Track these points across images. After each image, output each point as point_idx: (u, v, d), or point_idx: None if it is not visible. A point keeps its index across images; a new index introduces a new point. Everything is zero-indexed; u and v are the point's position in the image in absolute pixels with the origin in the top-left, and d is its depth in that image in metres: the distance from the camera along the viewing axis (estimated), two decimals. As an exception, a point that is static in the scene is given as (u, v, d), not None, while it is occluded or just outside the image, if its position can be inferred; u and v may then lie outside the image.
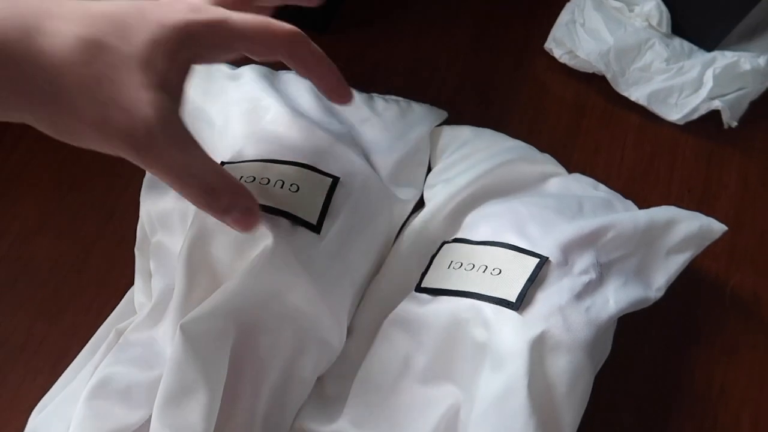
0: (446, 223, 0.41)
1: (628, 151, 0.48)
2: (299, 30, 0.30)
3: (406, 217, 0.42)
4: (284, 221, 0.34)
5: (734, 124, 0.49)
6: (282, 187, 0.34)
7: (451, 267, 0.37)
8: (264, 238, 0.32)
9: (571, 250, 0.36)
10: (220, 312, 0.32)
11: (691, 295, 0.44)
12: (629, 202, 0.43)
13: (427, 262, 0.38)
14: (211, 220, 0.34)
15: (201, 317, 0.32)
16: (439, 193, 0.41)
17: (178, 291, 0.34)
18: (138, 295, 0.39)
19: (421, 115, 0.45)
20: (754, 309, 0.45)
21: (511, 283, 0.34)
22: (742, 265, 0.46)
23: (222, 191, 0.29)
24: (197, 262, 0.34)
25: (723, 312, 0.45)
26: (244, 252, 0.33)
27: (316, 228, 0.34)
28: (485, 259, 0.36)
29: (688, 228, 0.39)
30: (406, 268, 0.39)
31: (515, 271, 0.35)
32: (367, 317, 0.38)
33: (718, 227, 0.40)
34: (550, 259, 0.35)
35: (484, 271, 0.35)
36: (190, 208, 0.36)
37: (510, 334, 0.32)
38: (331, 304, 0.35)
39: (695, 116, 0.49)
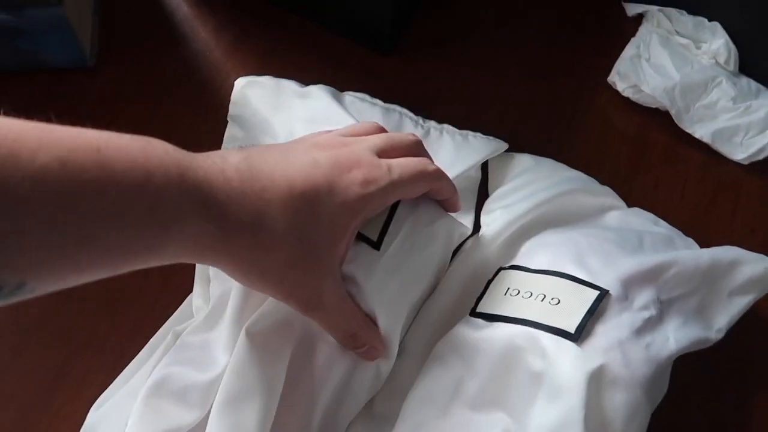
0: (503, 249, 0.41)
1: (690, 189, 0.48)
2: (438, 167, 0.36)
3: (462, 240, 0.42)
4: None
5: (801, 166, 0.48)
6: None
7: (508, 293, 0.37)
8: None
9: (631, 284, 0.36)
10: (282, 317, 0.33)
11: (748, 335, 0.43)
12: (690, 240, 0.43)
13: (483, 287, 0.38)
14: None
15: (265, 321, 0.33)
16: (497, 219, 0.42)
17: (235, 296, 0.35)
18: (196, 300, 0.40)
19: (476, 147, 0.45)
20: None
21: (570, 314, 0.34)
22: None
23: (362, 338, 0.34)
24: None
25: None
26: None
27: (377, 244, 0.35)
28: (543, 288, 0.36)
29: (752, 270, 0.39)
30: (461, 291, 0.39)
31: (574, 302, 0.35)
32: (419, 338, 0.39)
33: (784, 271, 0.39)
34: (610, 292, 0.35)
35: (542, 300, 0.35)
36: None
37: (568, 366, 0.32)
38: (386, 320, 0.35)
39: (761, 157, 0.48)
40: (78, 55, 0.46)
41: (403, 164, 0.34)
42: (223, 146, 0.44)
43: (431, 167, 0.35)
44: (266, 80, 0.46)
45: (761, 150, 0.48)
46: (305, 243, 0.30)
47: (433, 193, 0.37)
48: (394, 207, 0.36)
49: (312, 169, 0.31)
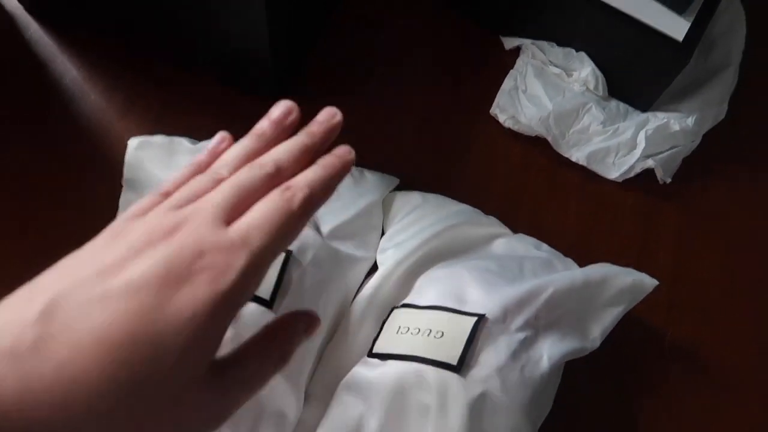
0: (397, 287, 0.43)
1: (572, 209, 0.51)
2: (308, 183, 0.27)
3: (361, 279, 0.44)
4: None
5: (668, 180, 0.52)
6: None
7: (400, 332, 0.39)
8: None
9: (509, 309, 0.38)
10: None
11: (633, 346, 0.47)
12: (569, 261, 0.46)
13: (379, 328, 0.40)
14: None
15: None
16: (389, 258, 0.44)
17: None
18: None
19: (373, 183, 0.48)
20: (693, 357, 0.48)
21: (452, 346, 0.36)
22: (681, 315, 0.49)
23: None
24: None
25: (665, 361, 0.47)
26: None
27: (269, 303, 0.36)
28: (429, 323, 0.38)
29: (621, 283, 0.42)
30: (359, 333, 0.41)
31: (456, 333, 0.37)
32: (323, 382, 0.40)
33: (649, 282, 0.42)
34: (487, 316, 0.37)
35: (428, 335, 0.37)
36: None
37: (451, 397, 0.34)
38: (288, 375, 0.37)
39: (632, 174, 0.52)
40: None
41: (261, 219, 0.24)
42: (119, 212, 0.44)
43: (297, 199, 0.25)
44: (159, 139, 0.47)
45: (631, 168, 0.52)
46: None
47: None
48: (285, 264, 0.38)
49: (123, 315, 0.21)
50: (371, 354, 0.39)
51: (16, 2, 0.53)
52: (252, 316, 0.36)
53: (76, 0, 0.49)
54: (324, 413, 0.39)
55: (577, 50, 0.53)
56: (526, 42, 0.55)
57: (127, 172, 0.46)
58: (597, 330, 0.41)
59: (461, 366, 0.35)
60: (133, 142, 0.46)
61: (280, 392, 0.37)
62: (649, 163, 0.51)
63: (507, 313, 0.38)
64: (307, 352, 0.40)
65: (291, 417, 0.38)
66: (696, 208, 0.52)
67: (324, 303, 0.41)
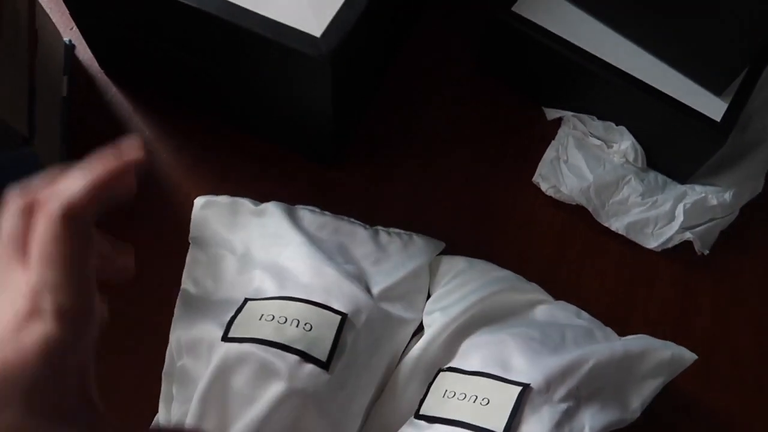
0: (443, 350, 0.45)
1: (610, 278, 0.53)
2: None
3: (408, 340, 0.47)
4: (297, 359, 0.38)
5: (706, 252, 0.54)
6: (297, 326, 0.39)
7: (446, 395, 0.41)
8: (279, 374, 0.37)
9: (552, 379, 0.40)
10: None
11: (668, 415, 0.48)
12: (609, 330, 0.48)
13: (425, 389, 0.43)
14: (234, 353, 0.39)
15: None
16: (436, 321, 0.46)
17: (191, 420, 0.38)
18: (160, 422, 0.43)
19: (421, 246, 0.50)
20: (727, 427, 0.49)
21: (498, 413, 0.38)
22: (715, 384, 0.50)
23: None
24: (214, 394, 0.38)
25: (701, 430, 0.48)
26: (262, 386, 0.38)
27: (326, 365, 0.39)
28: (475, 389, 0.40)
29: (660, 356, 0.43)
30: (406, 394, 0.43)
31: (501, 401, 0.39)
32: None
33: (689, 356, 0.44)
34: (532, 386, 0.39)
35: (474, 401, 0.40)
36: (216, 341, 0.41)
37: (496, 465, 0.36)
38: (339, 430, 0.39)
39: (670, 245, 0.54)
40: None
41: (41, 250, 0.23)
42: (185, 270, 0.47)
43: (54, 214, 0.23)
44: (223, 199, 0.50)
45: (670, 239, 0.53)
46: None
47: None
48: (341, 326, 0.40)
49: None
50: (418, 416, 0.41)
51: (98, 66, 0.57)
52: (310, 378, 0.38)
53: (154, 69, 0.54)
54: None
55: (617, 124, 0.56)
56: (567, 114, 0.58)
57: (193, 230, 0.49)
58: (637, 401, 0.43)
59: (506, 434, 0.37)
60: (199, 201, 0.50)
61: None
62: (687, 235, 0.53)
63: (550, 383, 0.40)
64: (355, 410, 0.42)
65: None
66: (733, 280, 0.54)
67: (375, 363, 0.43)
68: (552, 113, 0.59)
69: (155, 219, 0.52)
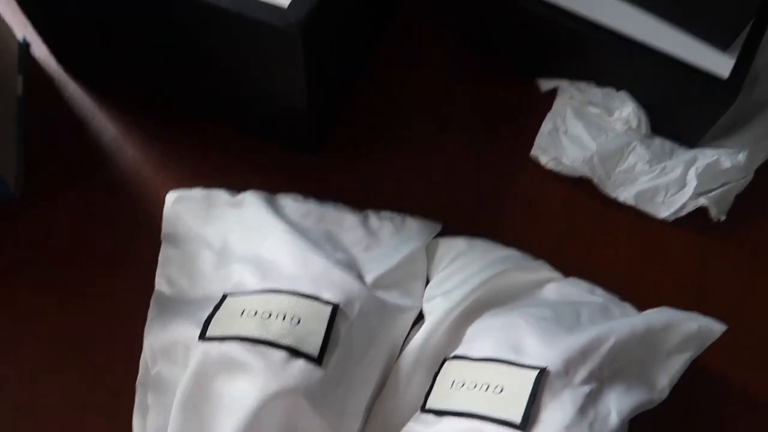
0: (447, 338, 0.41)
1: (621, 251, 0.49)
2: None
3: (407, 330, 0.42)
4: (286, 355, 0.34)
5: (722, 218, 0.50)
6: (284, 320, 0.35)
7: (454, 386, 0.37)
8: (267, 374, 0.33)
9: (571, 361, 0.36)
10: None
11: (698, 393, 0.44)
12: (626, 305, 0.44)
13: (431, 381, 0.38)
14: (214, 354, 0.35)
15: None
16: (437, 307, 0.42)
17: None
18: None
19: (415, 230, 0.46)
20: (762, 402, 0.45)
21: (514, 402, 0.34)
22: (745, 359, 0.46)
23: None
24: (195, 400, 0.34)
25: (732, 408, 0.44)
26: (247, 388, 0.33)
27: (318, 360, 0.35)
28: (486, 377, 0.36)
29: (687, 329, 0.40)
30: (410, 387, 0.39)
31: (517, 388, 0.35)
32: (373, 440, 0.38)
33: (717, 328, 0.40)
34: (549, 368, 0.35)
35: (486, 390, 0.35)
36: (193, 342, 0.36)
37: (517, 459, 0.32)
38: (339, 429, 0.35)
39: (683, 213, 0.50)
40: (2, 189, 0.46)
41: None
42: (158, 270, 0.44)
43: None
44: (196, 192, 0.46)
45: (683, 207, 0.50)
46: None
47: None
48: (332, 318, 0.36)
49: None
50: (425, 410, 0.37)
51: (56, 64, 0.53)
52: (301, 374, 0.34)
53: (114, 61, 0.50)
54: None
55: (617, 89, 0.52)
56: (563, 83, 0.54)
57: (165, 226, 0.45)
58: (664, 379, 0.39)
59: (525, 424, 0.33)
60: (171, 197, 0.46)
61: None
62: (702, 201, 0.49)
63: (569, 365, 0.36)
64: (354, 408, 0.38)
65: None
66: (753, 245, 0.50)
67: (373, 356, 0.39)
68: (546, 84, 0.55)
69: (125, 220, 0.48)
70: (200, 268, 0.42)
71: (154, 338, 0.39)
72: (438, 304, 0.42)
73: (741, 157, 0.50)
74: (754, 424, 0.44)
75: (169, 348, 0.38)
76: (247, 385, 0.33)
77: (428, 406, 0.37)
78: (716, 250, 0.50)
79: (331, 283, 0.38)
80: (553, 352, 0.36)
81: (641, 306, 0.44)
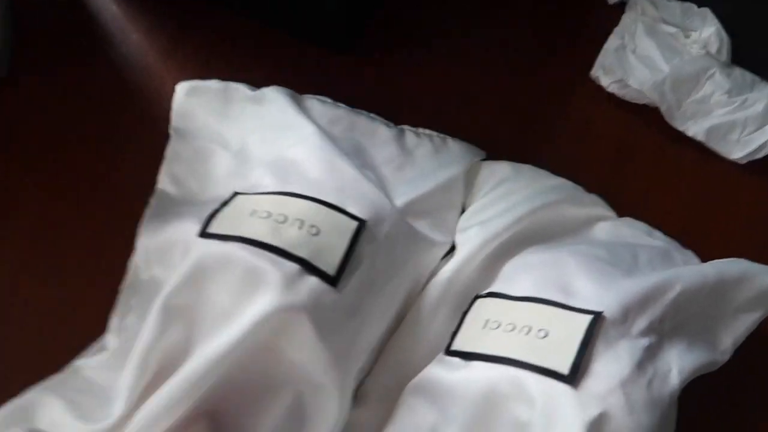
0: (480, 273, 0.36)
1: (684, 194, 0.44)
2: None
3: (434, 266, 0.37)
4: (297, 268, 0.29)
5: (804, 164, 0.44)
6: (300, 228, 0.31)
7: (488, 326, 0.32)
8: (272, 286, 0.28)
9: (630, 308, 0.32)
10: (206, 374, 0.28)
11: (760, 358, 0.39)
12: (689, 253, 0.39)
13: (458, 320, 0.34)
14: (213, 253, 0.30)
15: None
16: (472, 238, 0.37)
17: (147, 336, 0.30)
18: (111, 331, 0.35)
19: (456, 153, 0.41)
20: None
21: (561, 349, 0.30)
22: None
23: None
24: (181, 303, 0.30)
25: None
26: (246, 298, 0.29)
27: (334, 280, 0.30)
28: (528, 319, 0.31)
29: (761, 284, 0.35)
30: (433, 325, 0.35)
31: (565, 334, 0.31)
32: (384, 381, 0.34)
33: (796, 287, 0.35)
34: (605, 314, 0.31)
35: (527, 333, 0.31)
36: (193, 243, 0.31)
37: (561, 416, 0.27)
38: (341, 367, 0.30)
39: (760, 155, 0.44)
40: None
41: None
42: (163, 167, 0.39)
43: None
44: (212, 85, 0.41)
45: (760, 148, 0.44)
46: None
47: None
48: (357, 235, 0.31)
49: None
50: (450, 351, 0.32)
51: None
52: (312, 293, 0.29)
53: None
54: (385, 417, 0.33)
55: (698, 5, 0.46)
56: (634, -5, 0.47)
57: (175, 120, 0.40)
58: (728, 340, 0.35)
59: (574, 376, 0.28)
60: (182, 88, 0.41)
61: (328, 391, 0.31)
62: (783, 142, 0.43)
63: (628, 313, 0.31)
64: (364, 343, 0.33)
65: (330, 421, 0.32)
66: (837, 199, 0.44)
67: (394, 288, 0.34)
68: (615, -5, 0.48)
69: (125, 109, 0.43)
70: (212, 170, 0.38)
71: (149, 238, 0.35)
72: (474, 234, 0.37)
73: (837, 95, 0.43)
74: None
75: (165, 249, 0.34)
76: (246, 297, 0.29)
77: (454, 347, 0.33)
78: (793, 200, 0.44)
79: (361, 195, 0.34)
80: (609, 295, 0.31)
81: (703, 258, 0.39)
